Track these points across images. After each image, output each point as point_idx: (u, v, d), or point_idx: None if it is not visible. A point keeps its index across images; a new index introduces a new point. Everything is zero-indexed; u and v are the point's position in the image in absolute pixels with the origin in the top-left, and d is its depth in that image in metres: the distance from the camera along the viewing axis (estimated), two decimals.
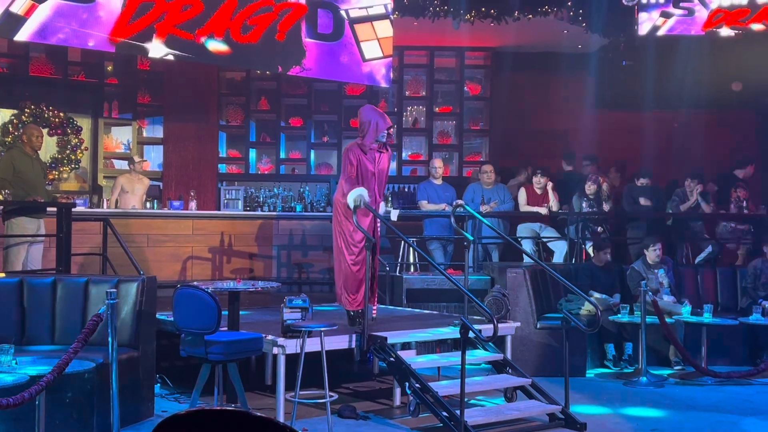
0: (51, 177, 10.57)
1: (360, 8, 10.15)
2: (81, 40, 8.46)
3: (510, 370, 6.63)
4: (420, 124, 12.74)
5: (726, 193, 10.68)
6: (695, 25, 10.84)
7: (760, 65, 10.96)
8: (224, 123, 12.11)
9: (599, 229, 10.09)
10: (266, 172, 12.23)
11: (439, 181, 10.02)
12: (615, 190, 10.78)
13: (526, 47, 12.25)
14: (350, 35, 10.05)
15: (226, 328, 6.07)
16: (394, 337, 6.36)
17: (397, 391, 6.66)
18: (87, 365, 5.08)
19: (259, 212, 10.81)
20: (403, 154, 12.51)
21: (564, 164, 11.25)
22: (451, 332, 6.73)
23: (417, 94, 12.79)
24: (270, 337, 5.94)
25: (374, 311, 6.99)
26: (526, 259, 9.04)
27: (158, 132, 11.71)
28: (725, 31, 10.74)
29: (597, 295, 8.42)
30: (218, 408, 1.91)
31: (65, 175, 10.96)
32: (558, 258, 9.95)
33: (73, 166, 10.98)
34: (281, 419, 5.56)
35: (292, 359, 5.84)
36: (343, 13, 10.01)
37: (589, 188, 10.08)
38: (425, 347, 7.69)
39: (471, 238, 7.41)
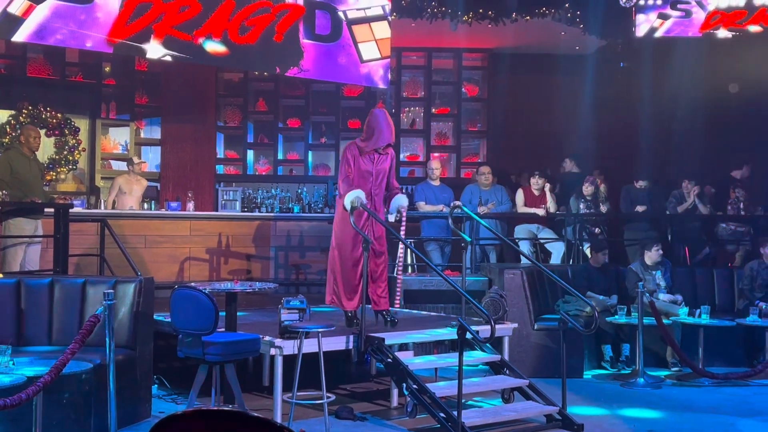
0: (48, 178, 10.57)
1: (358, 9, 10.15)
2: (79, 41, 8.45)
3: (507, 371, 6.64)
4: (417, 125, 12.75)
5: (723, 194, 10.69)
6: (692, 26, 10.85)
7: (757, 67, 10.98)
8: (222, 124, 12.12)
9: (596, 230, 10.10)
10: (264, 173, 12.24)
11: (436, 183, 10.02)
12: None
13: (523, 49, 12.27)
14: (348, 36, 10.06)
15: (223, 329, 6.07)
16: (391, 338, 6.36)
17: (395, 392, 6.66)
18: (84, 366, 5.08)
19: (256, 213, 10.80)
20: (401, 156, 12.52)
21: (570, 165, 11.16)
22: (448, 333, 6.73)
23: (415, 95, 12.80)
24: (267, 338, 5.93)
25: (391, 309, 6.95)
26: (524, 261, 9.04)
27: (156, 133, 11.70)
28: (722, 33, 10.76)
29: (594, 296, 8.43)
30: (215, 408, 1.91)
31: (63, 176, 10.96)
32: (555, 259, 9.96)
33: (70, 167, 10.97)
34: (278, 420, 5.57)
35: (289, 360, 5.84)
36: (340, 14, 10.01)
37: (587, 189, 10.10)
38: (423, 348, 7.69)
39: (468, 239, 7.41)
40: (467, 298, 6.30)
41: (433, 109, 12.77)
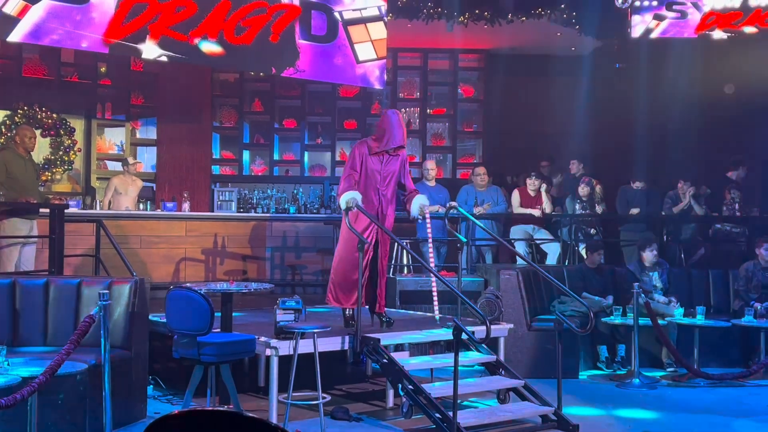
0: (44, 178, 10.56)
1: (354, 10, 10.15)
2: (74, 41, 8.44)
3: (503, 372, 6.64)
4: (413, 126, 12.75)
5: (718, 195, 10.71)
6: (688, 27, 10.88)
7: (752, 68, 11.00)
8: (218, 124, 12.11)
9: (592, 231, 10.11)
10: (260, 174, 12.23)
11: (432, 183, 10.02)
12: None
13: (519, 49, 12.28)
14: (344, 37, 10.06)
15: (219, 330, 6.06)
16: (387, 339, 6.36)
17: (390, 392, 6.66)
18: (79, 366, 5.07)
19: (252, 214, 10.80)
20: None
21: (577, 167, 11.12)
22: (444, 334, 6.73)
23: (411, 96, 12.80)
24: (263, 338, 5.93)
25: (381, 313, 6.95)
26: (520, 261, 9.05)
27: (152, 133, 11.69)
28: (718, 34, 10.78)
29: (590, 297, 8.44)
30: (210, 409, 1.91)
31: (58, 177, 10.94)
32: (551, 260, 9.96)
33: (66, 167, 10.95)
34: (274, 421, 5.57)
35: (285, 361, 5.84)
36: (336, 14, 10.01)
37: (582, 190, 10.11)
38: (418, 349, 7.69)
39: (464, 239, 7.41)
40: (463, 299, 6.30)
41: (429, 110, 12.77)
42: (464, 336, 5.54)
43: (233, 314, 6.38)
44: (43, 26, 8.13)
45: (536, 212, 9.98)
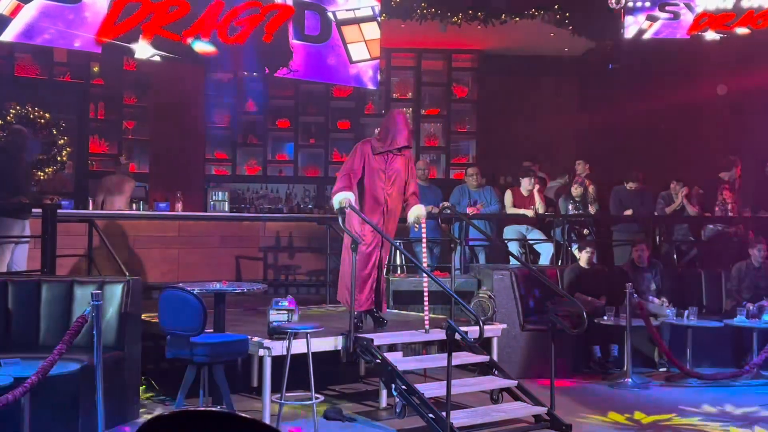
0: (36, 178, 10.51)
1: (347, 10, 10.15)
2: (67, 41, 8.42)
3: (496, 372, 6.65)
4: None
5: (711, 195, 10.72)
6: (681, 28, 10.91)
7: (745, 68, 11.03)
8: (211, 124, 12.08)
9: (585, 231, 10.11)
10: (253, 174, 12.21)
11: (425, 183, 10.01)
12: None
13: (513, 50, 12.30)
14: (337, 37, 10.06)
15: (211, 330, 6.05)
16: (380, 339, 6.36)
17: (384, 392, 6.66)
18: (72, 367, 5.04)
19: (245, 213, 10.78)
20: None
21: (582, 168, 11.11)
22: (437, 334, 6.73)
23: (404, 96, 12.81)
24: (256, 338, 5.92)
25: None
26: (513, 261, 9.05)
27: (144, 133, 11.66)
28: (710, 35, 10.82)
29: (583, 297, 8.44)
30: (202, 409, 1.91)
31: (51, 176, 10.90)
32: (544, 260, 9.97)
33: (58, 167, 10.92)
34: (267, 421, 5.56)
35: (278, 361, 5.83)
36: (330, 14, 10.01)
37: (575, 190, 10.11)
38: (411, 349, 7.69)
39: (458, 239, 7.42)
40: (456, 299, 6.30)
41: (423, 110, 12.77)
42: (457, 336, 5.54)
43: (226, 314, 6.37)
44: (36, 26, 8.10)
45: (529, 212, 9.98)
